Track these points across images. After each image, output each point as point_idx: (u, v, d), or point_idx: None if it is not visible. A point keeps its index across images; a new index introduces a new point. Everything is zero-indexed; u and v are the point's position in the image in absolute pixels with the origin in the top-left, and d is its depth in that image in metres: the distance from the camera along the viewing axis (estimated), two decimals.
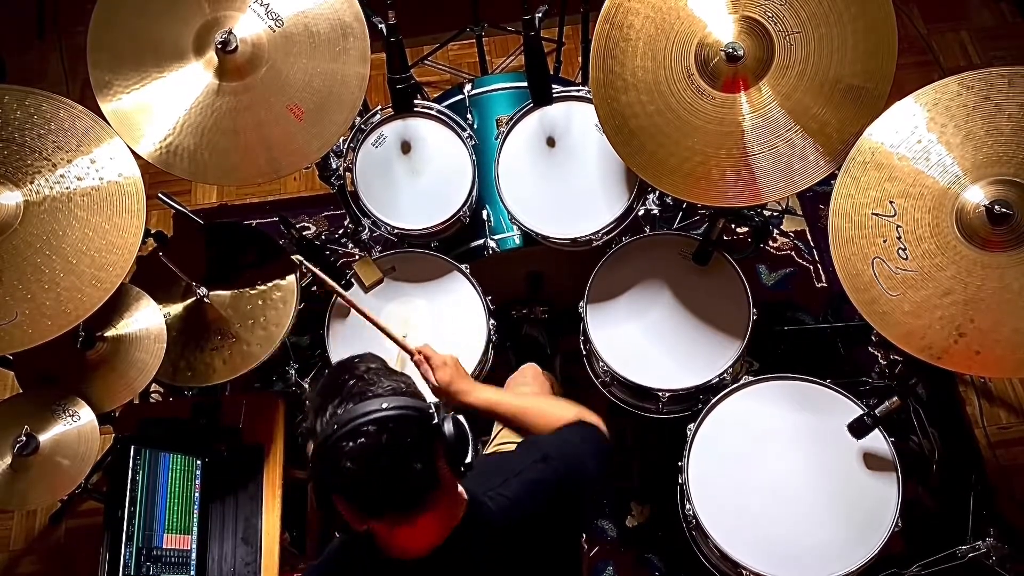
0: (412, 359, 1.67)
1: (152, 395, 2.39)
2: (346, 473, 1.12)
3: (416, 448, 1.14)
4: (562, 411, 1.52)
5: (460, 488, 1.27)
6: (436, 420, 1.19)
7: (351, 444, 1.11)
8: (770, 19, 1.83)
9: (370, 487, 1.13)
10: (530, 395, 1.61)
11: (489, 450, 1.95)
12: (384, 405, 1.14)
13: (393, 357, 2.14)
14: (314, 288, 2.52)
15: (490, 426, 2.06)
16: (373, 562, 1.26)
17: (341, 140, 2.26)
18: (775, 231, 2.85)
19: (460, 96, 2.41)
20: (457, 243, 2.35)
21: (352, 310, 2.19)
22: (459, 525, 1.25)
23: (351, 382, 1.18)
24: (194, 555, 1.88)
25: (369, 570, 1.27)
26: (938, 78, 1.71)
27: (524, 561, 1.33)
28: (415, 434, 1.14)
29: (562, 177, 2.22)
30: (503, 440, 1.94)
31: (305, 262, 1.76)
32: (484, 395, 1.60)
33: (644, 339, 2.15)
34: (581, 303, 2.19)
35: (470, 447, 1.22)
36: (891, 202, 1.69)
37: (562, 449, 1.40)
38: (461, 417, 1.24)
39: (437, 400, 1.68)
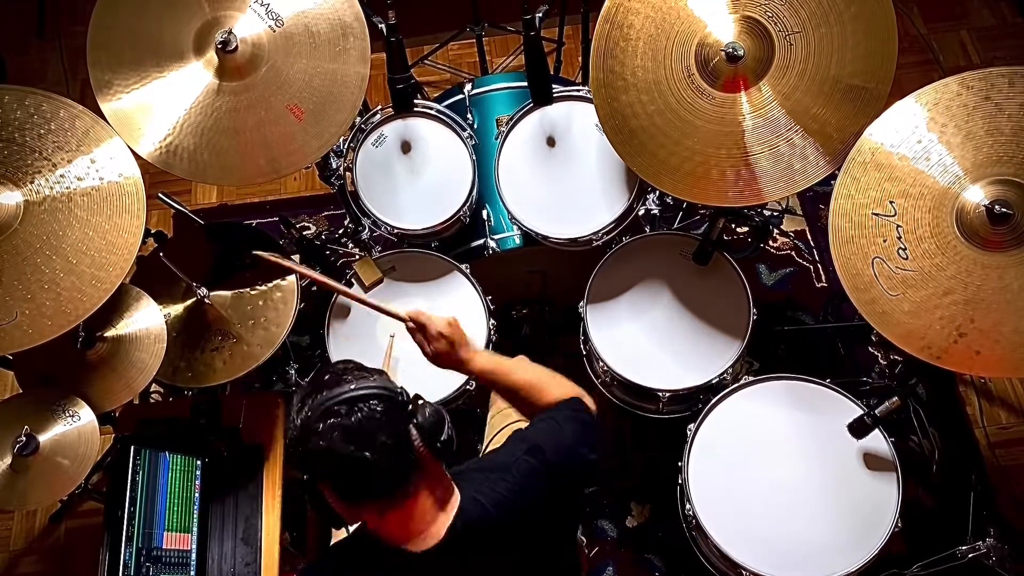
0: (406, 327, 1.56)
1: (152, 395, 2.39)
2: (321, 454, 1.17)
3: (385, 423, 1.19)
4: (560, 387, 1.51)
5: (446, 476, 1.30)
6: (406, 400, 1.24)
7: (322, 425, 1.17)
8: (770, 19, 1.83)
9: (345, 466, 1.18)
10: (529, 368, 1.60)
11: (485, 443, 1.95)
12: (353, 387, 1.20)
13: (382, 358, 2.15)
14: (314, 288, 2.52)
15: (482, 429, 2.05)
16: (375, 553, 1.28)
17: (341, 140, 2.26)
18: (775, 231, 2.85)
19: (460, 96, 2.41)
20: (457, 243, 2.35)
21: (353, 305, 2.21)
22: (454, 523, 1.26)
23: (325, 377, 1.24)
24: (194, 555, 1.88)
25: (371, 560, 1.29)
26: (938, 78, 1.71)
27: (522, 555, 1.34)
28: (384, 411, 1.19)
29: (562, 177, 2.22)
30: (496, 429, 1.93)
31: (261, 253, 1.69)
32: (483, 362, 1.55)
33: (644, 339, 2.15)
34: (581, 303, 2.19)
35: (446, 426, 1.26)
36: (891, 202, 1.70)
37: (551, 437, 1.40)
38: (439, 406, 1.28)
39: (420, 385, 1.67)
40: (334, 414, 1.17)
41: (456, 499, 1.29)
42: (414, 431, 1.23)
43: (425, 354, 1.55)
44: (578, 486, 1.45)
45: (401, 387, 1.26)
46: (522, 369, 1.58)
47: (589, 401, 1.50)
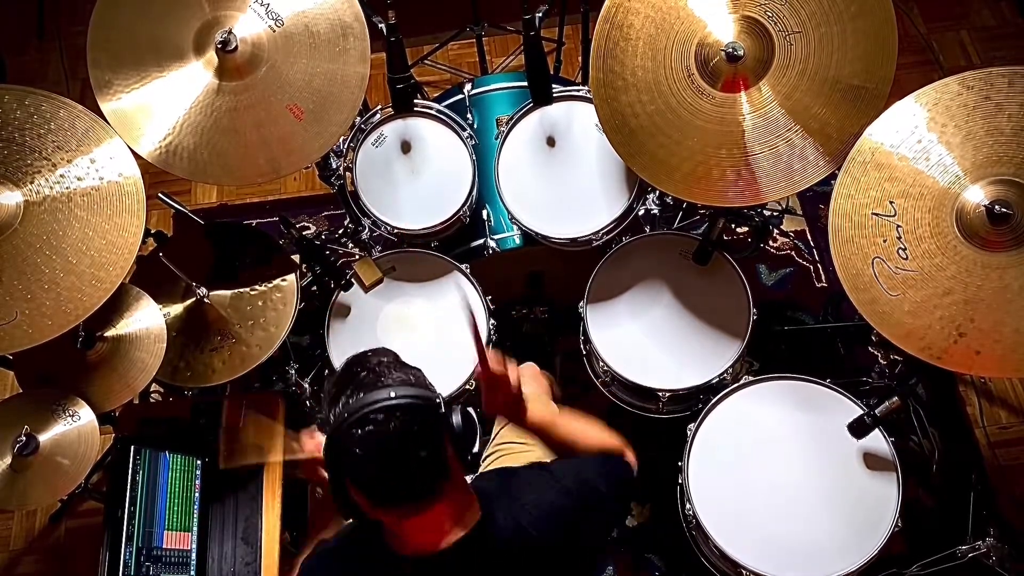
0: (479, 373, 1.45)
1: (152, 395, 2.39)
2: (356, 459, 1.17)
3: (423, 436, 1.18)
4: (601, 436, 1.53)
5: (470, 489, 1.28)
6: (443, 410, 1.22)
7: (360, 431, 1.16)
8: (770, 19, 1.83)
9: (379, 474, 1.18)
10: (574, 420, 1.58)
11: (490, 450, 1.95)
12: (392, 394, 1.18)
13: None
14: (314, 288, 2.52)
15: (490, 425, 2.05)
16: (379, 556, 1.27)
17: (341, 140, 2.26)
18: (775, 231, 2.85)
19: (460, 96, 2.41)
20: (457, 243, 2.35)
21: (353, 306, 2.20)
22: (468, 535, 1.25)
23: (362, 374, 1.22)
24: (194, 555, 1.88)
25: (375, 564, 1.29)
26: (938, 78, 1.71)
27: None
28: (422, 422, 1.18)
29: (562, 177, 2.22)
30: (503, 440, 1.93)
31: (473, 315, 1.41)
32: (537, 416, 1.53)
33: (644, 339, 2.15)
34: (581, 303, 2.19)
35: (477, 437, 1.25)
36: (891, 202, 1.69)
37: (580, 478, 1.39)
38: (470, 408, 1.27)
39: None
40: (371, 422, 1.15)
41: (476, 516, 1.27)
42: (448, 440, 1.22)
43: (485, 403, 1.49)
44: (601, 534, 1.44)
45: (437, 394, 1.24)
46: (569, 420, 1.58)
47: (631, 456, 1.52)
